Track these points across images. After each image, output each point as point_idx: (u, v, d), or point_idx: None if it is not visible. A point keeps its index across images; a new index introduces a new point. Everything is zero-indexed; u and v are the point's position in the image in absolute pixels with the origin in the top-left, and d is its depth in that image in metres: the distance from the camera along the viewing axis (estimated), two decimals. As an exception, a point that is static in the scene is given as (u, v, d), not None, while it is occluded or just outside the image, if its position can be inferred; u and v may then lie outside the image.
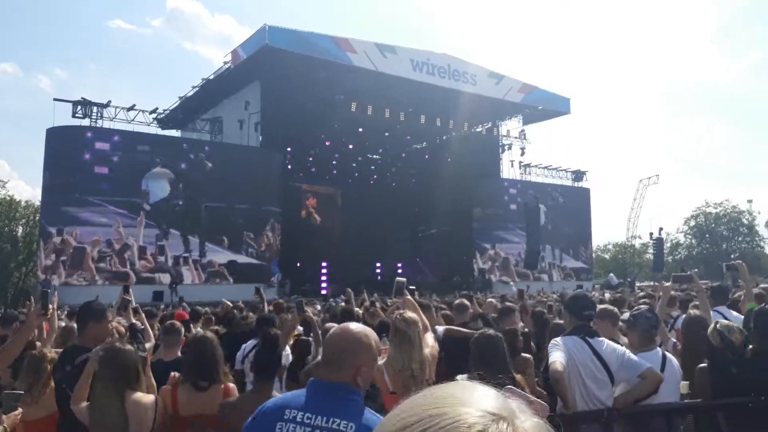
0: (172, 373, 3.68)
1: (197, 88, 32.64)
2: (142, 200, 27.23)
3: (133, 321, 4.64)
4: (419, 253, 36.95)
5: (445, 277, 35.04)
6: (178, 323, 4.88)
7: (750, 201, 63.66)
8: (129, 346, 3.30)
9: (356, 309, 9.34)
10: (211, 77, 32.02)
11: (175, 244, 27.78)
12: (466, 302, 6.58)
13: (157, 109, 31.78)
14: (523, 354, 4.88)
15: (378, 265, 36.31)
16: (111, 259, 26.20)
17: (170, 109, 33.94)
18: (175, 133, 35.59)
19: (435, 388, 0.67)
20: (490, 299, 10.95)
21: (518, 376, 3.66)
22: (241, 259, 29.09)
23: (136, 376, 3.08)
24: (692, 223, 61.58)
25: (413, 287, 6.64)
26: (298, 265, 31.83)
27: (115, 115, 28.80)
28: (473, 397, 0.62)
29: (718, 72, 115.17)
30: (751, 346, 3.69)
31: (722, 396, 3.62)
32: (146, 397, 3.04)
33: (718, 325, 3.74)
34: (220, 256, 28.76)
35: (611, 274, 38.14)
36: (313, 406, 2.02)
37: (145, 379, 3.33)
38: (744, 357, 3.65)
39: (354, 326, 2.24)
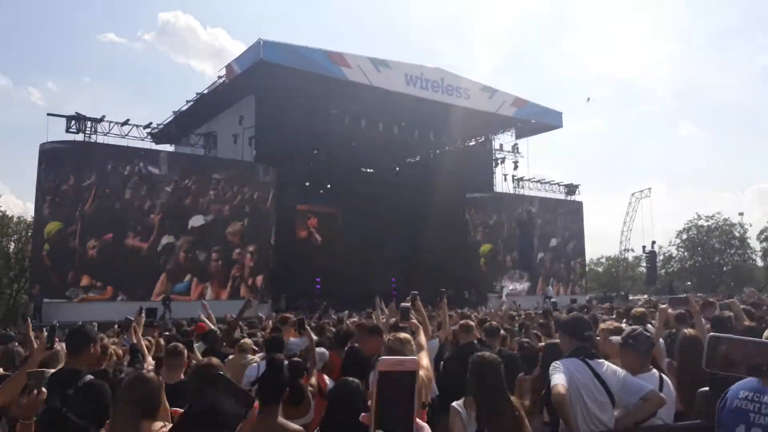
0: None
1: (191, 103, 32.68)
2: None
3: (134, 341, 4.63)
4: (415, 266, 36.87)
5: (438, 290, 34.94)
6: (181, 345, 4.85)
7: (741, 214, 64.05)
8: (152, 374, 3.27)
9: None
10: (205, 92, 32.09)
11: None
12: (471, 323, 6.57)
13: (150, 123, 31.88)
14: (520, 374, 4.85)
15: (373, 279, 36.16)
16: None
17: (164, 123, 33.98)
18: (169, 147, 35.58)
19: None
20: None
21: (516, 400, 3.65)
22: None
23: (157, 404, 3.05)
24: (684, 236, 61.84)
25: (416, 292, 6.66)
26: (293, 280, 31.68)
27: (109, 130, 28.80)
28: None
29: (709, 82, 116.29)
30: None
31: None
32: (162, 427, 3.00)
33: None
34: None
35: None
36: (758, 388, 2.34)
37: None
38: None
39: None
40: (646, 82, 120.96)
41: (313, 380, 5.03)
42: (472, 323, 6.59)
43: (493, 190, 39.92)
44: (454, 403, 3.56)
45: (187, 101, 32.84)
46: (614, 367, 3.67)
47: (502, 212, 38.79)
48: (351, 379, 3.23)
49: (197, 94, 32.31)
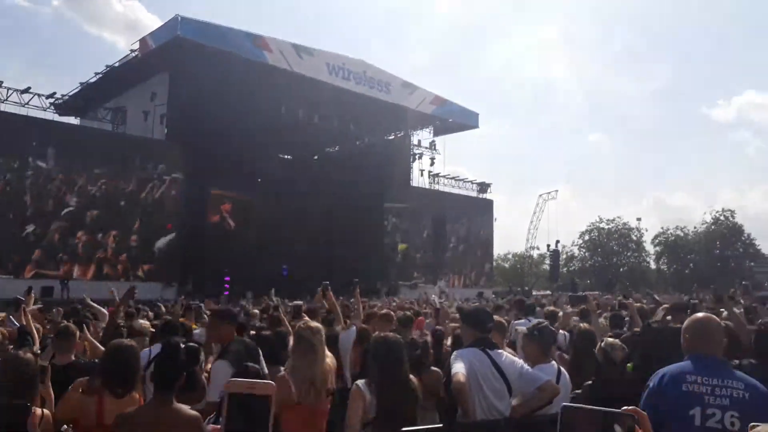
0: (80, 380, 3.48)
1: (100, 75, 31.06)
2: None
3: (23, 322, 4.35)
4: (329, 255, 36.77)
5: (351, 280, 35.03)
6: (72, 326, 4.62)
7: (639, 219, 68.22)
8: (29, 355, 3.08)
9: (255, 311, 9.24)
10: (117, 65, 30.59)
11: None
12: (392, 313, 6.62)
13: (54, 93, 30.02)
14: (433, 368, 4.89)
15: (284, 267, 35.74)
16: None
17: (70, 94, 32.12)
18: (74, 120, 33.66)
19: None
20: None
21: (416, 382, 3.68)
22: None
23: (34, 388, 2.88)
24: (586, 237, 65.23)
25: (327, 282, 6.70)
26: (201, 265, 30.81)
27: (7, 97, 26.91)
28: None
29: (619, 94, 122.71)
30: (630, 363, 3.94)
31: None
32: (35, 412, 2.83)
33: (603, 343, 3.97)
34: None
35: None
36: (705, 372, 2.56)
37: (43, 391, 3.13)
38: (624, 374, 3.90)
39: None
40: (560, 90, 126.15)
41: (209, 367, 4.89)
42: (392, 314, 6.65)
43: (410, 184, 40.48)
44: (357, 382, 3.55)
45: (96, 73, 31.24)
46: (512, 357, 3.80)
47: (418, 207, 39.37)
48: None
49: (107, 66, 30.77)
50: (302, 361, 4.31)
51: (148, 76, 30.04)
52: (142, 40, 29.51)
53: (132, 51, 30.27)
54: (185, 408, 3.37)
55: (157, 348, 4.28)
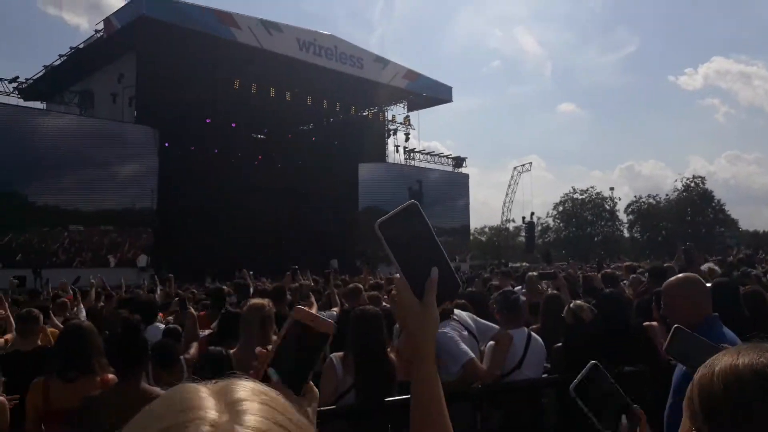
0: None
1: (65, 58, 30.24)
2: None
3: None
4: (304, 235, 36.60)
5: (324, 260, 34.95)
6: (36, 311, 4.54)
7: (612, 188, 69.04)
8: None
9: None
10: (81, 46, 29.79)
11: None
12: (360, 286, 6.66)
13: (17, 77, 29.20)
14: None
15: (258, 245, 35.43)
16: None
17: (34, 78, 31.26)
18: (39, 105, 32.81)
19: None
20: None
21: (393, 355, 3.72)
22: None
23: None
24: (561, 208, 65.85)
25: (296, 266, 6.76)
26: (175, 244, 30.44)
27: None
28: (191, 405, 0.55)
29: (587, 65, 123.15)
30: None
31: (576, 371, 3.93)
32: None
33: (571, 305, 4.04)
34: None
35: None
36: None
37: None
38: (594, 334, 3.97)
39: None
40: (531, 62, 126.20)
41: (193, 351, 4.87)
42: (360, 286, 6.68)
43: (385, 160, 40.35)
44: (332, 355, 3.58)
45: (61, 56, 30.39)
46: (464, 313, 3.95)
47: (394, 183, 39.28)
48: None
49: (71, 48, 29.95)
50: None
51: (115, 57, 29.30)
52: (107, 20, 28.77)
53: (97, 32, 29.47)
54: (154, 388, 3.35)
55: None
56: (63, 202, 26.19)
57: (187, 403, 0.55)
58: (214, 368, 3.04)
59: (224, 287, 8.82)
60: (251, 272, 10.21)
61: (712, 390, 0.93)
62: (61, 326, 5.10)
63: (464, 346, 3.69)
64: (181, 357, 4.58)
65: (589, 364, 1.38)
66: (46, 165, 25.30)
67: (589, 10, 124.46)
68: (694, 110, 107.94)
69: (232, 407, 0.55)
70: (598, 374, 1.35)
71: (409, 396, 1.11)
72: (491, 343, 3.74)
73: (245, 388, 0.59)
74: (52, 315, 5.08)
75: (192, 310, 5.85)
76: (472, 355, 3.70)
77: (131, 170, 28.24)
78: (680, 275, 2.94)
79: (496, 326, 3.85)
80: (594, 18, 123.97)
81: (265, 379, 1.03)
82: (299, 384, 1.03)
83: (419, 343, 1.10)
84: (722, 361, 0.95)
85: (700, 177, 62.11)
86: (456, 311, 3.94)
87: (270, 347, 1.06)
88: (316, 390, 1.08)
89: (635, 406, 1.31)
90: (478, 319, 3.96)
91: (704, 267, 6.77)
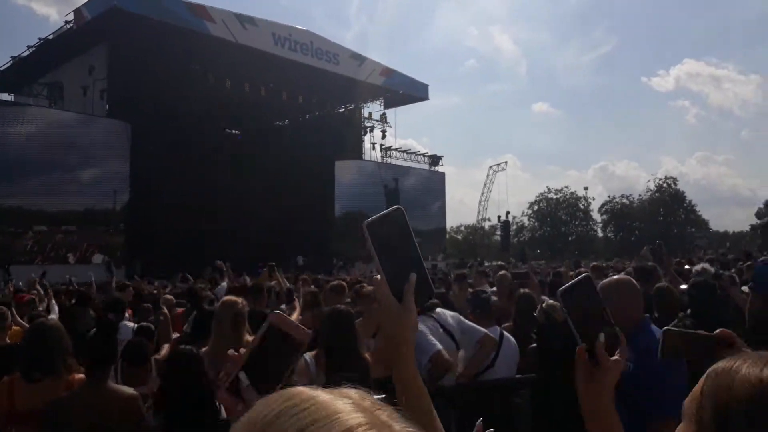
0: None
1: (33, 48, 29.55)
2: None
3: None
4: (277, 230, 36.30)
5: (304, 257, 34.78)
6: (3, 308, 4.39)
7: (586, 188, 69.97)
8: None
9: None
10: (51, 37, 29.12)
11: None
12: (344, 284, 6.61)
13: (-17, 68, 28.49)
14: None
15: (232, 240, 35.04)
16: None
17: (1, 70, 30.55)
18: (7, 97, 32.02)
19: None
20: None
21: (367, 355, 3.67)
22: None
23: None
24: (536, 207, 66.49)
25: (273, 263, 6.66)
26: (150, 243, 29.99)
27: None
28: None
29: (562, 65, 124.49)
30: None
31: (549, 371, 3.89)
32: None
33: (543, 305, 4.03)
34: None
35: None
36: None
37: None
38: (568, 335, 3.92)
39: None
40: (506, 61, 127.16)
41: (164, 351, 4.80)
42: (344, 284, 6.62)
43: (362, 157, 40.22)
44: (305, 355, 3.51)
45: (29, 46, 29.69)
46: (449, 312, 3.87)
47: (370, 180, 39.19)
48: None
49: (40, 39, 29.27)
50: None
51: (85, 48, 28.65)
52: (77, 11, 28.13)
53: (67, 23, 28.83)
54: (122, 387, 3.25)
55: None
56: (27, 203, 25.53)
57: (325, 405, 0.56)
58: (183, 367, 2.94)
59: (199, 285, 8.71)
60: (228, 263, 9.98)
61: (731, 403, 0.84)
62: (25, 324, 4.94)
63: (433, 339, 3.66)
64: (152, 357, 4.49)
65: (583, 275, 1.35)
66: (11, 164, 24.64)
67: (565, 11, 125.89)
68: (666, 111, 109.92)
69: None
70: (589, 287, 1.31)
71: (384, 395, 1.04)
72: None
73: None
74: (14, 312, 4.90)
75: (165, 310, 5.79)
76: (440, 347, 3.67)
77: (101, 166, 27.63)
78: (614, 277, 3.00)
79: (482, 329, 3.79)
80: (569, 18, 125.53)
81: (235, 383, 1.01)
82: (270, 390, 1.00)
83: (399, 345, 1.09)
84: (744, 371, 0.86)
85: (672, 178, 63.33)
86: (438, 309, 3.88)
87: (242, 350, 1.04)
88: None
89: (617, 328, 1.28)
90: (464, 320, 3.88)
91: (698, 267, 6.85)
